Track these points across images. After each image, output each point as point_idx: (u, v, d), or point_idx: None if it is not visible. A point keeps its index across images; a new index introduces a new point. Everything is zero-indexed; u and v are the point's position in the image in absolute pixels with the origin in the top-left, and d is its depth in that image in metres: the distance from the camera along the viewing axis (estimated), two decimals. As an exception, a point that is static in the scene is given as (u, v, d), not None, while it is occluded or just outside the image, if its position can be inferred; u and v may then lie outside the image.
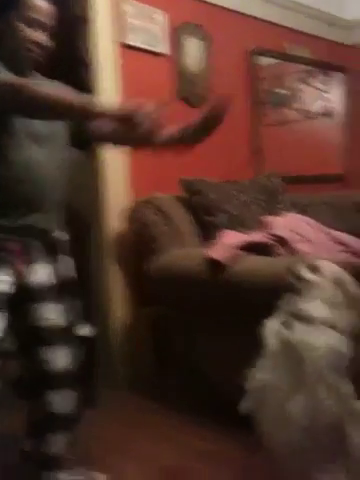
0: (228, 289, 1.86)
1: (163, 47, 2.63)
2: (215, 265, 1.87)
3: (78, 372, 1.53)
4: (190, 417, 2.02)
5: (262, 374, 1.28)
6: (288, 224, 2.26)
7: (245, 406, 1.28)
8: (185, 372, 2.18)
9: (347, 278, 1.30)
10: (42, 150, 1.42)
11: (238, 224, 2.27)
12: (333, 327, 1.24)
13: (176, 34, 2.68)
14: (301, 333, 1.23)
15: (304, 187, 3.16)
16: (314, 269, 1.29)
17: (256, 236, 2.10)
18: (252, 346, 1.85)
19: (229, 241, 1.98)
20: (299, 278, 1.30)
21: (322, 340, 1.22)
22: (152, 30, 2.57)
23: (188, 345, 2.16)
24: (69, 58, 2.35)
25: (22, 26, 1.39)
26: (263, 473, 1.60)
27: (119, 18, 2.44)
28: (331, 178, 3.50)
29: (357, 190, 3.39)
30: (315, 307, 1.24)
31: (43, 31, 1.42)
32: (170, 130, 1.43)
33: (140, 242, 2.33)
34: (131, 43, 2.49)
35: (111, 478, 1.59)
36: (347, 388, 1.24)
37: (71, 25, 2.33)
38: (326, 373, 1.20)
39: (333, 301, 1.25)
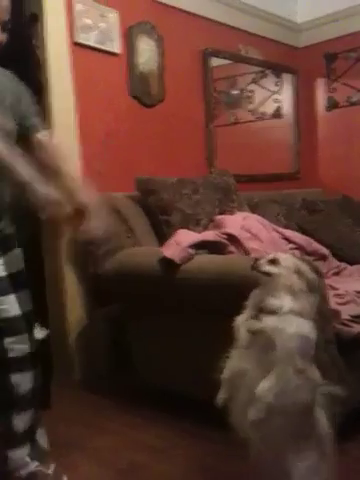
0: (181, 287, 1.90)
1: (116, 46, 2.63)
2: (169, 263, 1.90)
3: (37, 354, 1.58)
4: (145, 415, 2.04)
5: (234, 363, 1.35)
6: (240, 222, 2.32)
7: (221, 398, 1.35)
8: (139, 371, 2.20)
9: (304, 267, 1.37)
10: None
11: (192, 223, 2.30)
12: (300, 315, 1.30)
13: (129, 33, 2.69)
14: (272, 322, 1.29)
15: (256, 186, 3.24)
16: (274, 262, 1.35)
17: (209, 235, 2.14)
18: (206, 343, 1.91)
19: (183, 240, 2.01)
20: (262, 273, 1.35)
21: (292, 327, 1.28)
22: (105, 29, 2.57)
23: (142, 343, 2.18)
24: (21, 56, 2.32)
25: None
26: (219, 470, 1.65)
27: (71, 16, 2.43)
28: (282, 177, 3.61)
29: (306, 188, 3.51)
30: (281, 299, 1.31)
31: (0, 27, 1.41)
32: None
33: (95, 242, 2.32)
34: (83, 42, 2.48)
35: (67, 477, 1.60)
36: (314, 372, 1.32)
37: (23, 23, 2.30)
38: (295, 357, 1.27)
39: (296, 290, 1.31)
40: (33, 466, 1.58)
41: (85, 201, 1.51)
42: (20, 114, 1.54)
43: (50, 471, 1.60)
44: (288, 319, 1.29)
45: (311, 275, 1.35)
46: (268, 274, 1.34)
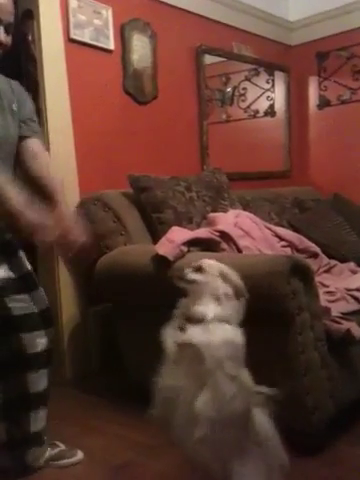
0: (174, 285, 1.91)
1: (109, 43, 2.63)
2: (162, 261, 1.91)
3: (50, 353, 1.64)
4: (138, 414, 2.04)
5: (166, 381, 1.31)
6: (232, 220, 2.34)
7: (155, 413, 1.32)
8: (130, 370, 2.21)
9: (230, 271, 1.37)
10: None
11: (184, 220, 2.32)
12: (225, 321, 1.29)
13: (123, 30, 2.69)
14: (197, 332, 1.27)
15: (248, 184, 3.26)
16: (199, 269, 1.34)
17: (202, 232, 2.16)
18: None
19: (176, 237, 2.02)
20: (187, 281, 1.34)
21: (218, 335, 1.27)
22: (99, 26, 2.57)
23: (133, 342, 2.19)
24: (16, 52, 2.31)
25: None
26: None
27: (66, 13, 2.42)
28: (274, 175, 3.63)
29: (298, 187, 3.54)
30: (206, 306, 1.29)
31: (3, 29, 1.42)
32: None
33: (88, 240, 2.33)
34: (78, 38, 2.48)
35: (65, 472, 1.63)
36: (246, 375, 1.31)
37: (18, 19, 2.29)
38: (225, 365, 1.25)
39: (222, 296, 1.30)
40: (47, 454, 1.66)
41: (70, 224, 1.52)
42: (20, 119, 1.56)
43: (62, 447, 1.71)
44: (213, 327, 1.27)
45: (237, 280, 1.35)
46: (192, 282, 1.33)
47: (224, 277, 1.33)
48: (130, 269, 2.04)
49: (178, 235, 2.05)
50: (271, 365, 1.72)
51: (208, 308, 1.29)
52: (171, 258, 1.91)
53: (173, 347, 1.31)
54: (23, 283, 1.58)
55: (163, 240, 2.04)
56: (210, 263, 1.38)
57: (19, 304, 1.55)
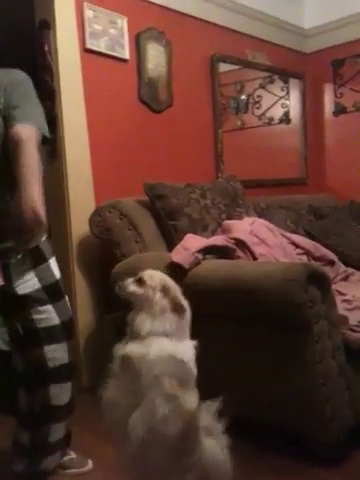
0: (189, 292, 1.90)
1: (125, 52, 2.65)
2: (178, 268, 1.91)
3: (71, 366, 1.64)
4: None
5: (109, 393, 1.30)
6: (248, 227, 2.33)
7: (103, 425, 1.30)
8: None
9: (171, 284, 1.34)
10: None
11: (199, 228, 2.31)
12: (164, 335, 1.26)
13: (138, 39, 2.71)
14: (134, 347, 1.25)
15: (263, 191, 3.25)
16: (140, 282, 1.32)
17: (217, 240, 2.15)
18: (214, 349, 1.91)
19: (191, 245, 2.02)
20: (128, 293, 1.32)
21: (153, 350, 1.23)
22: (114, 35, 2.59)
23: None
24: (33, 63, 2.34)
25: None
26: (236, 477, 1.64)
27: (82, 23, 2.45)
28: (290, 182, 3.61)
29: (314, 194, 3.51)
30: (143, 320, 1.27)
31: None
32: None
33: (104, 247, 2.34)
34: (94, 48, 2.50)
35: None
36: (189, 396, 1.24)
37: (35, 30, 2.33)
38: (163, 383, 1.21)
39: (160, 310, 1.27)
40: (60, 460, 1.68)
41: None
42: (6, 106, 1.46)
43: (74, 456, 1.71)
44: (149, 342, 1.25)
45: (177, 294, 1.32)
46: (133, 294, 1.31)
47: (165, 290, 1.30)
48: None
49: (193, 243, 2.05)
50: (289, 374, 1.70)
51: (145, 322, 1.26)
52: (186, 266, 1.90)
53: (116, 361, 1.29)
54: (48, 293, 1.57)
55: (178, 248, 2.04)
56: (152, 275, 1.34)
57: (43, 316, 1.55)
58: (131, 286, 1.32)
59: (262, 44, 3.44)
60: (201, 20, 3.05)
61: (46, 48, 2.33)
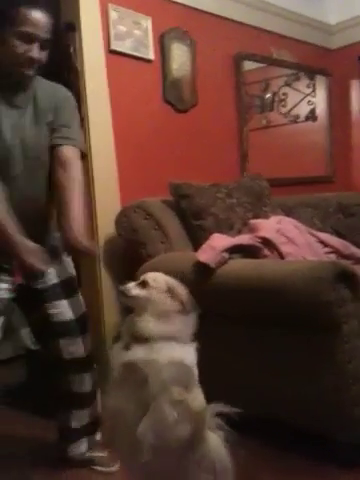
0: (216, 292, 1.90)
1: (149, 53, 2.65)
2: (204, 268, 1.90)
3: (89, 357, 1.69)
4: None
5: (111, 402, 1.27)
6: (274, 226, 2.30)
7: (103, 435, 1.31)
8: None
9: (177, 284, 1.31)
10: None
11: (225, 227, 2.30)
12: (172, 339, 1.23)
13: (162, 39, 2.71)
14: (140, 352, 1.22)
15: (290, 189, 3.21)
16: (143, 285, 1.29)
17: (243, 239, 2.13)
18: (241, 350, 1.90)
19: (217, 244, 2.01)
20: (130, 297, 1.30)
21: (162, 355, 1.20)
22: (139, 36, 2.60)
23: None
24: (59, 64, 2.37)
25: (16, 42, 1.37)
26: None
27: (106, 25, 2.47)
28: (316, 180, 3.56)
29: (341, 192, 3.46)
30: (148, 323, 1.23)
31: (39, 45, 1.40)
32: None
33: (130, 247, 2.35)
34: (119, 49, 2.52)
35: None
36: (195, 399, 1.23)
37: (60, 32, 2.35)
38: (170, 389, 1.19)
39: (166, 312, 1.24)
40: (89, 454, 1.73)
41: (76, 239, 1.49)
42: (54, 127, 1.55)
43: (104, 454, 1.73)
44: (158, 346, 1.21)
45: (184, 294, 1.28)
46: (136, 298, 1.28)
47: (171, 291, 1.27)
48: (173, 276, 2.04)
49: (219, 242, 2.04)
50: (318, 374, 1.68)
51: (151, 325, 1.23)
52: (213, 265, 1.89)
53: (118, 367, 1.25)
54: (63, 288, 1.63)
55: (204, 247, 2.03)
56: (155, 277, 1.32)
57: (58, 310, 1.61)
58: (134, 289, 1.30)
59: (287, 41, 3.40)
60: (225, 18, 3.03)
61: (72, 50, 2.35)
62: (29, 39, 1.38)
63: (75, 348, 1.64)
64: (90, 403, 1.72)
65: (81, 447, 1.73)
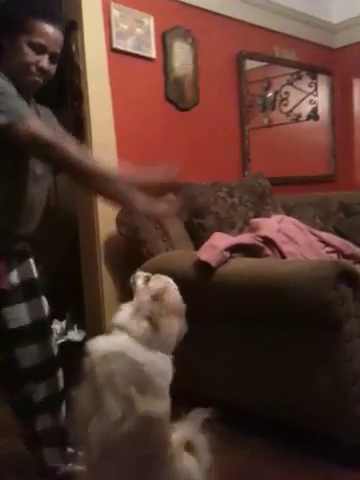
0: (217, 291, 1.90)
1: (151, 51, 2.65)
2: (205, 267, 1.90)
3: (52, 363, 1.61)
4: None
5: (79, 393, 1.22)
6: (276, 225, 2.30)
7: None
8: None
9: (168, 298, 1.26)
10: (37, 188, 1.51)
11: (227, 226, 2.30)
12: (131, 335, 1.19)
13: (164, 38, 2.71)
14: (101, 342, 1.18)
15: (291, 188, 3.20)
16: (147, 281, 1.29)
17: (245, 238, 2.13)
18: (241, 349, 1.90)
19: (218, 243, 2.01)
20: (133, 283, 1.30)
21: (107, 342, 1.17)
22: (140, 34, 2.60)
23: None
24: (61, 63, 2.36)
25: (29, 50, 1.40)
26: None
27: (108, 23, 2.46)
28: (318, 179, 3.56)
29: (343, 191, 3.45)
30: (122, 311, 1.23)
31: (48, 57, 1.43)
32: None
33: (131, 246, 2.35)
34: (121, 48, 2.51)
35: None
36: (144, 399, 1.15)
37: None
38: (117, 381, 1.13)
39: (141, 311, 1.22)
40: (67, 467, 1.63)
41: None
42: None
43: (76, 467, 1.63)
44: (114, 335, 1.18)
45: (167, 310, 1.24)
46: (135, 288, 1.28)
47: (156, 297, 1.24)
48: (172, 275, 2.02)
49: (220, 241, 2.04)
50: (319, 373, 1.68)
51: (121, 313, 1.22)
52: (213, 264, 1.89)
53: (87, 358, 1.20)
54: (22, 291, 1.56)
55: (205, 246, 2.03)
56: (158, 280, 1.30)
57: (13, 315, 1.53)
58: (138, 279, 1.31)
59: (289, 40, 3.39)
60: (227, 17, 3.02)
61: (74, 49, 2.35)
62: (40, 50, 1.41)
63: (32, 356, 1.56)
64: (50, 410, 1.62)
65: (54, 454, 1.63)
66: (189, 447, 1.25)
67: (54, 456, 1.64)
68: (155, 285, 1.28)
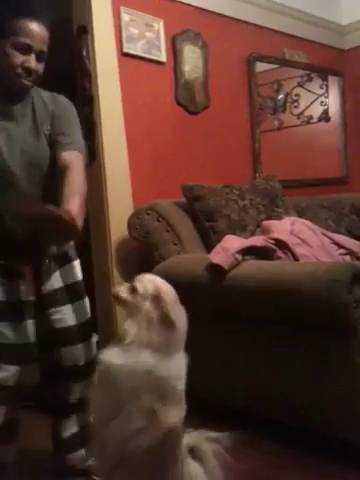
0: (229, 294, 1.88)
1: (161, 55, 2.65)
2: (217, 270, 1.89)
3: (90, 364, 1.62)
4: (194, 423, 2.01)
5: (92, 400, 1.27)
6: (288, 228, 2.28)
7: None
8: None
9: (166, 294, 1.25)
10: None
11: (238, 229, 2.29)
12: (147, 347, 1.19)
13: (174, 42, 2.71)
14: (115, 355, 1.20)
15: (303, 191, 3.18)
16: (133, 290, 1.27)
17: (256, 240, 2.11)
18: (254, 351, 1.88)
19: (230, 246, 2.00)
20: (120, 300, 1.28)
21: (136, 361, 1.18)
22: (151, 38, 2.60)
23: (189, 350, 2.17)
24: (71, 68, 2.38)
25: (13, 52, 1.38)
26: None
27: (118, 27, 2.47)
28: (330, 181, 3.53)
29: (355, 193, 3.42)
30: (129, 327, 1.22)
31: (35, 56, 1.40)
32: None
33: (142, 249, 2.35)
34: (130, 52, 2.52)
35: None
36: (166, 408, 1.18)
37: (73, 35, 2.36)
38: (140, 395, 1.16)
39: (146, 320, 1.21)
40: (88, 462, 1.64)
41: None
42: (54, 132, 1.52)
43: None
44: (134, 352, 1.19)
45: (171, 304, 1.24)
46: (125, 302, 1.26)
47: (155, 300, 1.23)
48: (184, 278, 2.02)
49: (232, 243, 2.02)
50: (333, 376, 1.66)
51: (131, 330, 1.21)
52: (226, 267, 1.88)
53: (99, 368, 1.24)
54: (68, 293, 1.59)
55: (217, 248, 2.02)
56: (146, 282, 1.27)
57: (59, 316, 1.56)
58: (124, 293, 1.28)
59: (299, 42, 3.39)
60: (237, 20, 3.02)
61: (84, 53, 2.36)
62: (26, 50, 1.39)
63: (75, 356, 1.58)
64: (79, 411, 1.64)
65: (79, 457, 1.65)
66: (194, 454, 1.26)
67: (77, 456, 1.65)
68: (147, 288, 1.25)
